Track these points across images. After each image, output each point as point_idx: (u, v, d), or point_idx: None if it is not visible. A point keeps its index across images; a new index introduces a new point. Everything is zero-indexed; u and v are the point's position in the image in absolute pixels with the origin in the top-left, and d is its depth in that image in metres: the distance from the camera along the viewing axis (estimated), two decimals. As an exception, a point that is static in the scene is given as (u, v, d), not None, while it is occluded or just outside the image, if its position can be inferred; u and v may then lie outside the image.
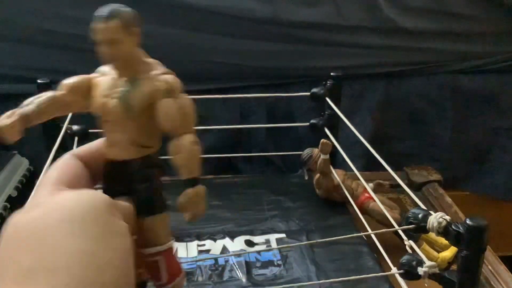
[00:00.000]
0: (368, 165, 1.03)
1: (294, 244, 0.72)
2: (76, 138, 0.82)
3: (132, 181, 0.39)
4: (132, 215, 0.37)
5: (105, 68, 0.42)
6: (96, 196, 0.33)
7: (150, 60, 0.43)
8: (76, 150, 0.41)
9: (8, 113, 0.44)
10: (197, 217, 0.38)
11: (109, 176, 0.39)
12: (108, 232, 0.30)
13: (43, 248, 0.28)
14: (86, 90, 0.42)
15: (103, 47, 0.40)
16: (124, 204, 0.36)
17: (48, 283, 0.26)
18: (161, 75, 0.41)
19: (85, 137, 0.84)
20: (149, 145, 0.40)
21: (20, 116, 0.43)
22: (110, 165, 0.39)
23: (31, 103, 0.44)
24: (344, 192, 0.80)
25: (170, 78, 0.41)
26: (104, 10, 0.41)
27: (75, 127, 0.82)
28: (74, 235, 0.29)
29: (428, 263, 0.51)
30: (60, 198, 0.32)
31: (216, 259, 0.69)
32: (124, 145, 0.39)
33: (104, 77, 0.41)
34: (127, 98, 0.39)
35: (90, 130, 0.85)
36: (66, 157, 0.40)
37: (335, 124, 0.90)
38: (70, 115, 0.79)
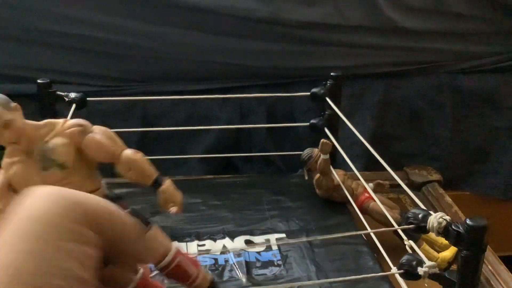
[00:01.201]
0: (368, 165, 1.03)
1: (294, 241, 0.72)
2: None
3: None
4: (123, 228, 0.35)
5: (10, 158, 0.44)
6: (60, 198, 0.31)
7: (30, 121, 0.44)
8: None
9: None
10: (180, 205, 0.40)
11: None
12: (62, 237, 0.29)
13: None
14: (6, 190, 0.46)
15: None
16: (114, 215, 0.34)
17: None
18: (59, 123, 0.43)
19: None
20: (94, 188, 0.41)
21: None
22: None
23: None
24: (344, 192, 0.80)
25: (70, 121, 0.43)
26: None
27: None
28: (27, 233, 0.28)
29: (428, 263, 0.51)
30: (32, 193, 0.31)
31: (216, 259, 0.69)
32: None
33: (17, 165, 0.43)
34: (52, 161, 0.41)
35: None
36: None
37: (335, 124, 0.90)
38: (70, 114, 0.79)
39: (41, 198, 0.30)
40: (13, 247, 0.27)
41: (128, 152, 0.41)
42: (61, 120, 0.43)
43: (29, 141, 0.41)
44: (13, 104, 0.42)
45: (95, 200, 0.32)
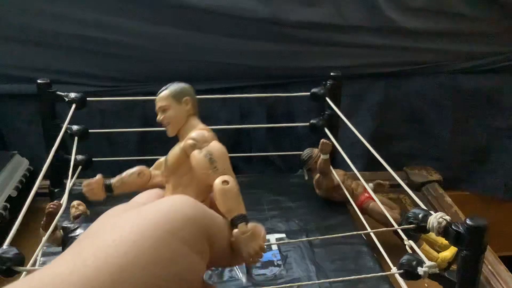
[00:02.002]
0: (368, 165, 1.03)
1: (293, 241, 0.72)
2: (76, 138, 0.82)
3: None
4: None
5: None
6: (195, 204, 0.32)
7: (199, 125, 0.47)
8: None
9: (94, 179, 0.52)
10: (252, 257, 0.37)
11: None
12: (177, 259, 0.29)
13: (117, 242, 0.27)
14: None
15: (159, 115, 0.47)
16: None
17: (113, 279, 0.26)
18: (193, 131, 0.44)
19: (84, 137, 0.84)
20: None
21: (99, 183, 0.50)
22: None
23: (120, 175, 0.51)
24: (344, 192, 0.80)
25: (197, 132, 0.44)
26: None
27: (75, 127, 0.82)
28: (152, 225, 0.28)
29: (428, 263, 0.51)
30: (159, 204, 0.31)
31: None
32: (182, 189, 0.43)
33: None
34: (168, 156, 0.44)
35: (90, 130, 0.85)
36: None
37: (335, 124, 0.90)
38: (70, 114, 0.79)
39: (179, 198, 0.31)
40: (134, 236, 0.27)
41: (218, 180, 0.40)
42: (200, 126, 0.44)
43: (173, 131, 0.46)
44: (185, 98, 0.46)
45: (215, 215, 0.34)
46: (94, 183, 0.52)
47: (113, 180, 0.52)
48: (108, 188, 0.53)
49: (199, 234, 0.30)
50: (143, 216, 0.29)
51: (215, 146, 0.42)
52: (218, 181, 0.40)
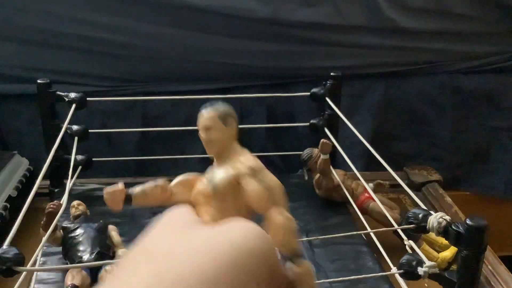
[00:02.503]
0: (368, 165, 1.03)
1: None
2: (76, 138, 0.82)
3: None
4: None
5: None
6: (267, 239, 0.30)
7: (243, 150, 0.46)
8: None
9: (117, 187, 0.50)
10: None
11: None
12: None
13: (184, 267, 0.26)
14: (192, 184, 0.46)
15: (203, 134, 0.45)
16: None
17: None
18: (243, 158, 0.44)
19: (85, 137, 0.84)
20: None
21: (122, 192, 0.48)
22: None
23: (140, 186, 0.49)
24: (344, 192, 0.80)
25: (252, 159, 0.44)
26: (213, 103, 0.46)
27: (75, 127, 0.82)
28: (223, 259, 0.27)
29: (428, 263, 0.51)
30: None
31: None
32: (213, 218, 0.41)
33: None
34: (213, 179, 0.42)
35: (90, 130, 0.85)
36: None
37: (335, 124, 0.90)
38: (70, 114, 0.79)
39: (252, 231, 0.30)
40: (213, 271, 0.26)
41: (275, 212, 0.41)
42: (245, 154, 0.44)
43: (216, 153, 0.45)
44: (231, 121, 0.45)
45: (276, 254, 0.32)
46: (117, 192, 0.49)
47: (134, 191, 0.50)
48: (128, 198, 0.50)
49: (269, 271, 0.29)
50: (217, 249, 0.28)
51: (273, 179, 0.43)
52: (277, 214, 0.40)
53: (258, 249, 0.29)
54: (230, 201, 0.41)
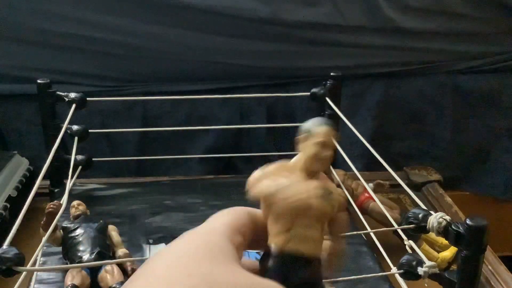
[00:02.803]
0: (368, 165, 1.03)
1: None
2: (76, 138, 0.81)
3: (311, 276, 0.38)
4: None
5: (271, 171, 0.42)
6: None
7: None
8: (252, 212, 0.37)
9: None
10: None
11: (282, 268, 0.37)
12: None
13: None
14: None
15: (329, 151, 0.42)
16: None
17: None
18: (334, 186, 0.42)
19: (85, 137, 0.84)
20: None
21: None
22: (289, 258, 0.37)
23: None
24: (344, 192, 0.80)
25: (334, 186, 0.42)
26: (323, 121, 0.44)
27: (75, 127, 0.82)
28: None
29: (428, 263, 0.51)
30: None
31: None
32: (318, 242, 0.39)
33: (288, 178, 0.42)
34: (331, 199, 0.40)
35: (90, 130, 0.85)
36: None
37: (335, 124, 0.90)
38: (70, 114, 0.79)
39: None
40: None
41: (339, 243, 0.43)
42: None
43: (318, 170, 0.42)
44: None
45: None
46: None
47: None
48: None
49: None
50: None
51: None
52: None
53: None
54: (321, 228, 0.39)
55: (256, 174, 0.40)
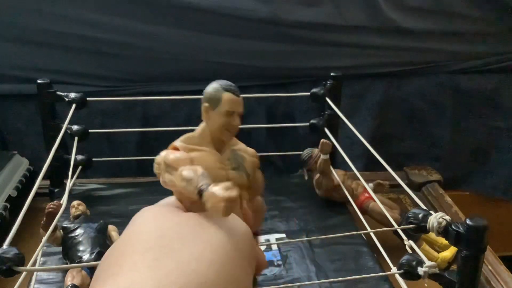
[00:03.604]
0: (368, 165, 1.03)
1: (293, 241, 0.72)
2: (76, 138, 0.82)
3: None
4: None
5: (188, 145, 0.41)
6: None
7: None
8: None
9: None
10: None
11: None
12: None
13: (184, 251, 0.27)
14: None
15: (238, 120, 0.41)
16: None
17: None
18: (245, 148, 0.43)
19: (85, 137, 0.84)
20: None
21: None
22: None
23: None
24: (344, 192, 0.80)
25: (254, 152, 0.43)
26: (232, 84, 0.43)
27: (75, 127, 0.82)
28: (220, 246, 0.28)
29: (428, 263, 0.51)
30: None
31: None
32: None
33: (200, 152, 0.40)
34: (242, 168, 0.41)
35: (90, 130, 0.85)
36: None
37: (335, 124, 0.90)
38: (70, 114, 0.79)
39: (238, 219, 0.31)
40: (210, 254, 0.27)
41: (260, 198, 0.44)
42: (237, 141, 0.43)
43: (228, 140, 0.42)
44: None
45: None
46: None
47: None
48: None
49: (252, 249, 0.31)
50: (211, 234, 0.29)
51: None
52: (262, 200, 0.44)
53: (246, 231, 0.31)
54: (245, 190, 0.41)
55: (171, 156, 0.39)
